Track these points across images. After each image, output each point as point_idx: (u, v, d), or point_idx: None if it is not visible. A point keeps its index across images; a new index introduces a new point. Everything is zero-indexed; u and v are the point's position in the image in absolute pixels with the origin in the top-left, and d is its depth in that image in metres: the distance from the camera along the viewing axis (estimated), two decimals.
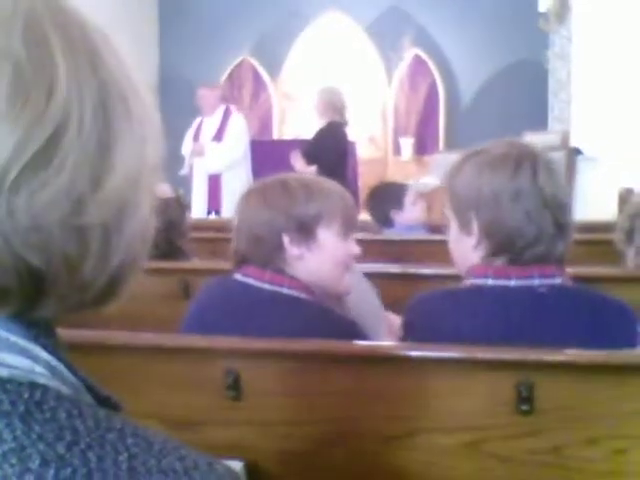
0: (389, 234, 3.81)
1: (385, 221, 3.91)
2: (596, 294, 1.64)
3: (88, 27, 0.61)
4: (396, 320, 2.07)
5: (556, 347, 1.46)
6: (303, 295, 1.73)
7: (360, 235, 3.26)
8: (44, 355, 0.60)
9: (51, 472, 0.54)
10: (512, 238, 1.60)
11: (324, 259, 1.77)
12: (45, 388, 0.58)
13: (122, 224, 0.60)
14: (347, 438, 1.51)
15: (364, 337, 1.72)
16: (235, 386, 1.54)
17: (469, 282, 1.67)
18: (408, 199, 3.91)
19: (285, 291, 1.72)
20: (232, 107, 7.04)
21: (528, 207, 1.59)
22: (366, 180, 8.90)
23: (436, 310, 1.68)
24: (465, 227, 1.67)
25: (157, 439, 0.60)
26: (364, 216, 6.82)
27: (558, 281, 1.61)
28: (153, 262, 2.68)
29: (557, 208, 1.60)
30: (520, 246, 1.60)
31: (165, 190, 2.85)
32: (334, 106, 6.11)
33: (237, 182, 6.29)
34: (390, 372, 1.50)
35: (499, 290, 1.61)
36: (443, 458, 1.48)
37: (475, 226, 1.64)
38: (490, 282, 1.62)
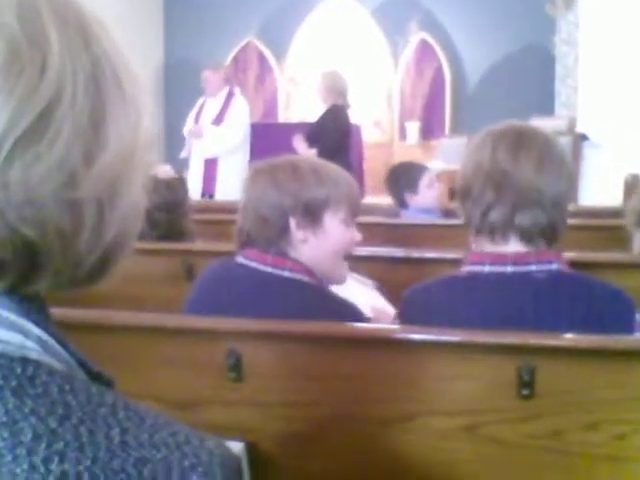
0: (404, 217, 3.78)
1: (402, 203, 3.86)
2: (594, 281, 1.62)
3: (80, 7, 0.62)
4: (391, 312, 2.07)
5: (557, 332, 1.46)
6: (305, 278, 1.73)
7: (365, 219, 3.27)
8: (35, 330, 0.60)
9: (43, 446, 0.54)
10: (475, 203, 1.64)
11: (327, 244, 1.77)
12: (37, 363, 0.58)
13: (115, 200, 0.61)
14: (347, 420, 1.51)
15: (365, 322, 1.72)
16: (236, 367, 1.54)
17: (466, 269, 1.67)
18: (423, 182, 3.83)
19: (287, 274, 1.72)
20: (236, 89, 6.99)
21: (488, 176, 1.62)
22: (371, 164, 8.89)
23: (432, 300, 1.69)
24: None
25: (149, 414, 0.61)
26: (369, 200, 6.82)
27: (555, 267, 1.60)
28: (156, 243, 2.68)
29: (513, 184, 1.60)
30: (481, 212, 1.62)
31: (167, 171, 2.85)
32: (336, 89, 6.10)
33: (234, 167, 6.28)
34: (391, 355, 1.49)
35: (496, 277, 1.60)
36: (443, 441, 1.48)
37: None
38: (487, 269, 1.62)
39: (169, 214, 2.75)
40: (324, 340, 1.53)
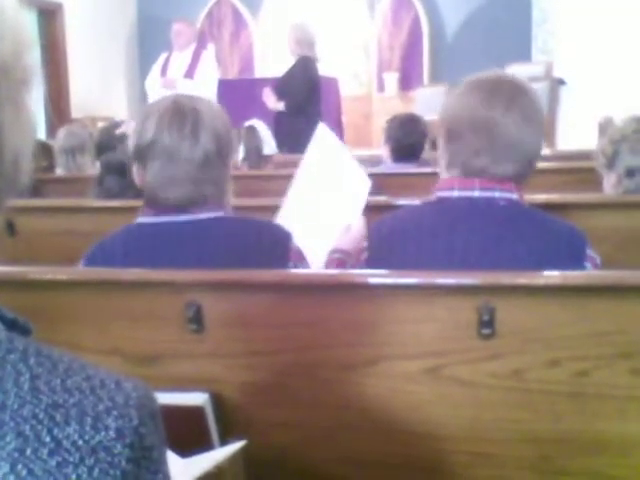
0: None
1: None
2: (546, 216, 1.68)
3: None
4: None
5: (515, 269, 1.45)
6: (221, 213, 1.76)
7: None
8: None
9: None
10: (462, 147, 1.69)
11: None
12: None
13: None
14: (310, 367, 1.51)
15: (284, 233, 1.76)
16: (197, 319, 1.53)
17: (435, 195, 1.72)
18: None
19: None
20: (210, 46, 6.92)
21: (479, 124, 1.67)
22: (350, 117, 8.82)
23: (397, 227, 1.73)
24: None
25: (63, 359, 0.60)
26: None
27: (515, 197, 1.66)
28: (132, 201, 2.65)
29: (501, 136, 1.65)
30: (466, 156, 1.68)
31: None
32: (305, 41, 6.06)
33: None
34: (351, 300, 1.49)
35: (464, 201, 1.66)
36: (406, 384, 1.47)
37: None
38: (456, 194, 1.67)
39: None
40: (283, 287, 1.52)
